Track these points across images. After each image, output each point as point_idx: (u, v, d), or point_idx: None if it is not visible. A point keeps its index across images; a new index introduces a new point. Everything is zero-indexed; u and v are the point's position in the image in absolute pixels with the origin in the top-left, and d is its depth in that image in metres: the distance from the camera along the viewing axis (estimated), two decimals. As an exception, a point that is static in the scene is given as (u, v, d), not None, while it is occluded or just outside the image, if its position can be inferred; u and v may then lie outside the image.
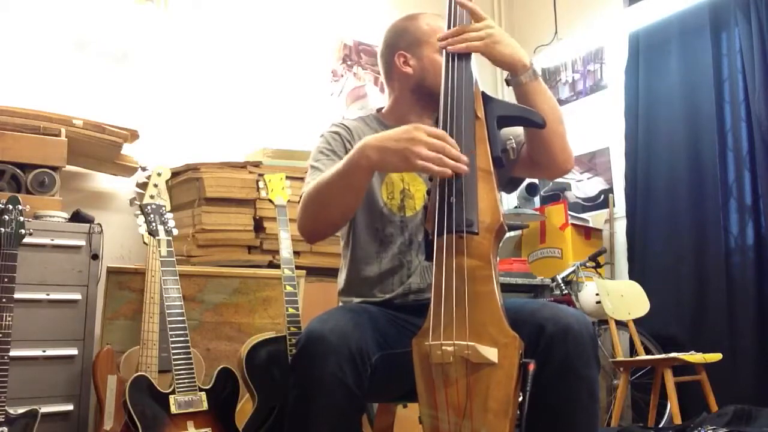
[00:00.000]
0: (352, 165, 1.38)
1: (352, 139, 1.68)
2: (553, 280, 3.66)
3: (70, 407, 2.27)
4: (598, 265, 3.63)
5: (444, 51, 1.46)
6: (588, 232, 3.95)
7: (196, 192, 2.87)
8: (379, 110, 1.80)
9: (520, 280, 3.69)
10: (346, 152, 1.63)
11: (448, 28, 1.49)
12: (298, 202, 1.56)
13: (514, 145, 1.57)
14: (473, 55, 1.47)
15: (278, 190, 2.48)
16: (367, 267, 1.66)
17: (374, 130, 1.71)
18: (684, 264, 3.52)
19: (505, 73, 1.52)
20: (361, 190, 1.45)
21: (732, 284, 3.33)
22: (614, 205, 3.95)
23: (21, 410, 1.95)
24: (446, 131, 1.36)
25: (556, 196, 4.16)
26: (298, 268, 2.44)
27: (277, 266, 2.46)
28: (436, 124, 1.40)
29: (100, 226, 2.42)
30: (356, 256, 1.70)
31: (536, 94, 1.48)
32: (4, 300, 1.92)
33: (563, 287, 3.58)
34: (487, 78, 4.16)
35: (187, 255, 2.78)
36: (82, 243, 2.38)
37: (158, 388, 1.97)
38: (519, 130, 1.61)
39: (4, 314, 1.91)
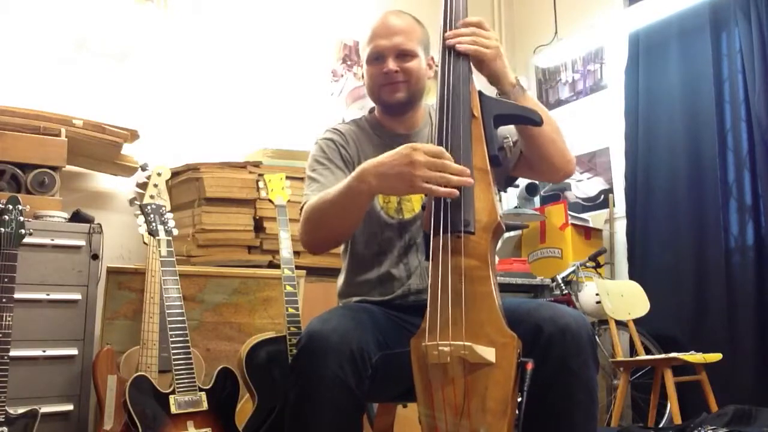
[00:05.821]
0: (353, 190, 1.39)
1: (346, 144, 1.69)
2: (553, 280, 3.66)
3: (70, 407, 2.27)
4: (598, 265, 3.63)
5: (442, 50, 1.46)
6: (588, 232, 3.95)
7: (196, 192, 2.88)
8: (371, 111, 1.80)
9: (520, 280, 3.69)
10: (342, 158, 1.65)
11: (444, 28, 1.49)
12: (299, 213, 1.57)
13: (511, 144, 1.57)
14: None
15: (278, 190, 2.49)
16: (367, 270, 1.67)
17: (367, 133, 1.72)
18: (684, 264, 3.52)
19: None
20: (362, 212, 1.47)
21: (732, 284, 3.32)
22: (614, 205, 3.95)
23: (21, 410, 1.95)
24: (443, 130, 1.36)
25: (556, 196, 4.16)
26: (298, 268, 2.44)
27: (277, 266, 2.46)
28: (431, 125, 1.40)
29: (100, 226, 2.42)
30: (355, 260, 1.70)
31: (526, 103, 1.48)
32: (4, 300, 1.92)
33: (563, 287, 3.58)
34: (483, 78, 4.15)
35: (187, 255, 2.78)
36: (82, 243, 2.38)
37: (158, 388, 1.97)
38: (514, 129, 1.61)
39: (4, 314, 1.91)
